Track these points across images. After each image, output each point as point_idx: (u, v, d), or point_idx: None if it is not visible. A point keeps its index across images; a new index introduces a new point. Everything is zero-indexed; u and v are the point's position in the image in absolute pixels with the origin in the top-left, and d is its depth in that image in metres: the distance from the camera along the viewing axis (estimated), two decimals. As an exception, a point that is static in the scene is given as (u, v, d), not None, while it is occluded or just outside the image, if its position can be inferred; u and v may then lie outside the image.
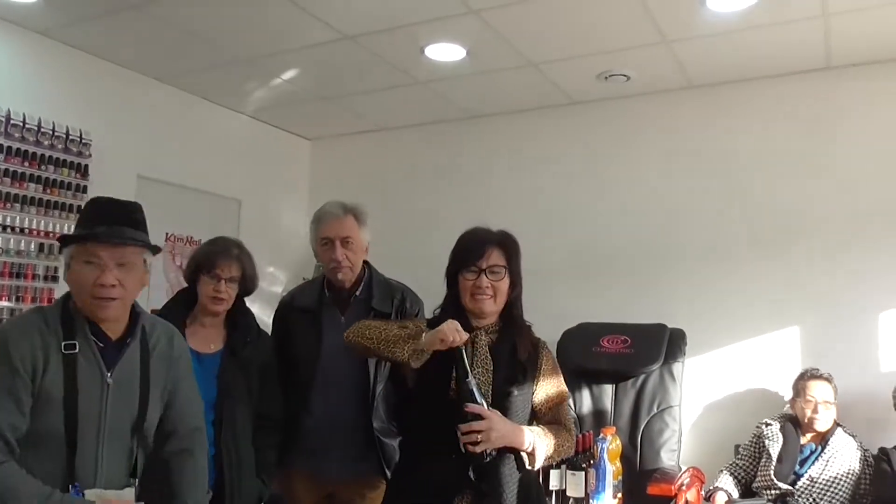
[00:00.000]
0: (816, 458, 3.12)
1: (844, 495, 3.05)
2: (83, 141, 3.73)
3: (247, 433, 2.42)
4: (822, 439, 3.16)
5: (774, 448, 3.19)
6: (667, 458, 3.41)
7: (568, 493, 2.50)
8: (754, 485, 3.24)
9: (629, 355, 3.60)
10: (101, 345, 1.79)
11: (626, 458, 3.13)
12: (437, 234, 4.11)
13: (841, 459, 3.10)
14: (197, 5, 3.27)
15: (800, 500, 3.06)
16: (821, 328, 3.61)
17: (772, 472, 3.13)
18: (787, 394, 3.41)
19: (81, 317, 1.78)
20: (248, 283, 2.53)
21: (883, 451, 3.08)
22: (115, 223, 1.77)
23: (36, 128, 3.55)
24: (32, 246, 3.51)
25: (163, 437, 1.91)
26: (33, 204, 3.54)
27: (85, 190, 3.71)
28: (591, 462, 2.54)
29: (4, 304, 3.40)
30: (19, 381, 1.66)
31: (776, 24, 3.27)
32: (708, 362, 3.82)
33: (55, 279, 3.56)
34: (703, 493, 3.23)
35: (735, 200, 3.89)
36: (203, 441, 2.01)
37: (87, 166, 3.75)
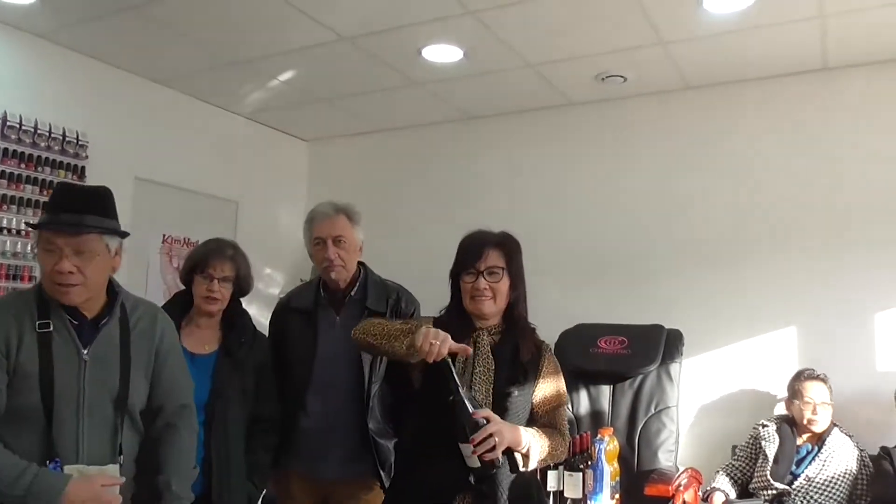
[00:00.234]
0: (813, 459, 3.13)
1: (842, 495, 3.06)
2: (80, 142, 3.73)
3: (239, 434, 2.40)
4: (819, 439, 3.17)
5: (771, 449, 3.19)
6: (664, 459, 3.41)
7: (566, 494, 2.51)
8: (751, 485, 3.24)
9: (626, 356, 3.60)
10: (76, 322, 1.81)
11: (624, 458, 3.14)
12: (434, 234, 4.14)
13: (838, 459, 3.10)
14: (194, 7, 3.27)
15: (797, 500, 3.06)
16: (818, 328, 3.62)
17: (768, 473, 3.14)
18: (784, 394, 3.41)
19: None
20: (242, 284, 2.52)
21: (884, 449, 3.08)
22: (78, 210, 1.78)
23: (33, 129, 3.55)
24: (29, 248, 3.50)
25: (151, 416, 1.94)
26: (30, 206, 3.54)
27: (82, 191, 3.70)
28: (589, 463, 2.54)
29: (1, 305, 3.39)
30: None
31: (773, 26, 3.27)
32: (705, 363, 3.82)
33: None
34: (700, 493, 3.23)
35: (732, 201, 3.89)
36: (191, 418, 2.02)
37: (83, 168, 3.75)
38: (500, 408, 1.95)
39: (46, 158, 3.60)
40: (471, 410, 1.83)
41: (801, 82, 3.79)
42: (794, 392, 3.26)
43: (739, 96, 3.94)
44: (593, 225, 4.24)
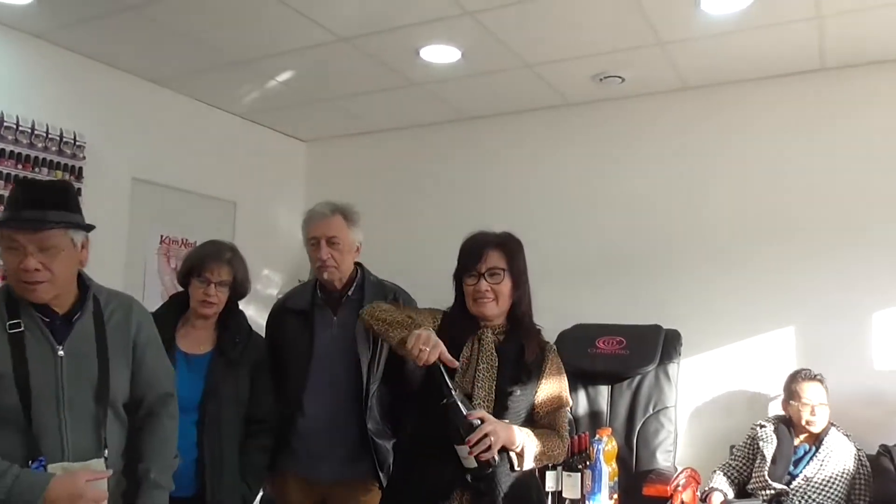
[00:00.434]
0: (811, 459, 3.13)
1: (840, 495, 3.06)
2: (77, 143, 3.72)
3: (233, 434, 2.39)
4: (817, 440, 3.17)
5: (768, 449, 3.20)
6: (662, 459, 3.41)
7: (564, 495, 2.51)
8: (749, 486, 3.24)
9: (625, 356, 3.61)
10: (48, 320, 1.80)
11: (622, 459, 3.14)
12: (432, 235, 4.13)
13: (836, 459, 3.10)
14: (191, 8, 3.27)
15: (795, 500, 3.06)
16: (815, 328, 3.62)
17: (766, 473, 3.14)
18: (780, 394, 3.41)
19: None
20: (239, 288, 2.51)
21: (884, 447, 3.09)
22: (40, 206, 1.76)
23: (29, 130, 3.54)
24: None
25: (134, 407, 1.93)
26: (27, 206, 3.52)
27: (79, 193, 3.69)
28: (588, 463, 2.54)
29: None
30: None
31: (770, 26, 3.28)
32: (703, 363, 3.82)
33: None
34: (698, 493, 3.23)
35: (730, 201, 3.89)
36: (172, 406, 2.01)
37: (81, 169, 3.74)
38: (501, 406, 1.95)
39: (44, 159, 3.59)
40: (464, 412, 1.84)
41: (799, 83, 3.79)
42: (792, 393, 3.26)
43: (738, 97, 3.94)
44: (591, 225, 4.24)
